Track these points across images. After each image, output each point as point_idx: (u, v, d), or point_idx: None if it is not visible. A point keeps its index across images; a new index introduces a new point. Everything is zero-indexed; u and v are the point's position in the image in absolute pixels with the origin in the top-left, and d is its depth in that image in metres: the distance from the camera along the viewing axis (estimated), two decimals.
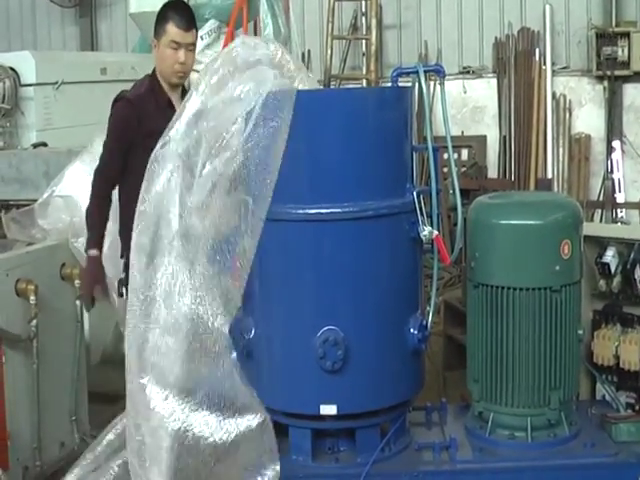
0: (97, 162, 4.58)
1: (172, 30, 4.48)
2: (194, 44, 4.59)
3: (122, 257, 4.49)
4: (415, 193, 3.74)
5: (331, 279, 3.59)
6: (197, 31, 4.65)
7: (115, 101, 4.56)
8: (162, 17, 4.55)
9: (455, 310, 5.50)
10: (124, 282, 4.34)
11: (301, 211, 3.54)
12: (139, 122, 4.43)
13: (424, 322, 3.80)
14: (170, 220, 3.59)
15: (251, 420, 3.44)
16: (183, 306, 3.49)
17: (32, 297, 4.52)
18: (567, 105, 9.41)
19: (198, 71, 9.32)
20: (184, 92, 4.59)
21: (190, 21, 4.54)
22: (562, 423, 3.86)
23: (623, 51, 9.12)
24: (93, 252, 4.46)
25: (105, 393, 4.94)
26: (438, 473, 3.70)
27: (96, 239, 4.47)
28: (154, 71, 4.62)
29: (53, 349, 4.72)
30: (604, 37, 9.16)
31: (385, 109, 3.72)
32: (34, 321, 4.53)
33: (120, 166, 4.48)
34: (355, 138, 3.61)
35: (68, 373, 4.85)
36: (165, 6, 4.60)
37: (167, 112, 4.36)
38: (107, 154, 4.53)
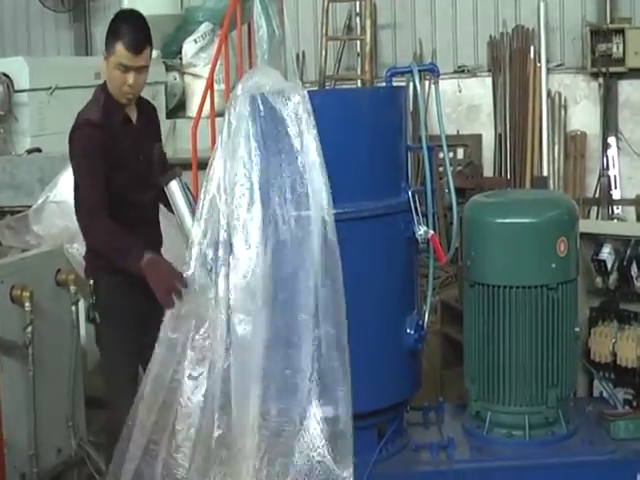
0: None
1: (121, 52, 4.01)
2: (146, 66, 4.12)
3: (88, 278, 4.29)
4: (410, 193, 3.74)
5: None
6: (152, 49, 4.14)
7: (76, 127, 4.09)
8: (112, 33, 4.07)
9: (452, 309, 5.51)
10: (94, 307, 4.22)
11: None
12: (109, 145, 4.05)
13: (420, 322, 3.79)
14: None
15: None
16: None
17: (27, 303, 4.51)
18: (562, 102, 9.38)
19: (194, 74, 9.36)
20: (140, 102, 4.31)
21: (142, 43, 4.06)
22: (560, 421, 3.86)
23: (618, 48, 9.09)
24: (148, 255, 3.88)
25: (102, 399, 4.92)
26: (436, 473, 3.70)
27: (140, 250, 3.90)
28: (105, 84, 4.18)
29: (49, 355, 4.71)
30: (598, 34, 9.13)
31: (379, 109, 3.72)
32: (30, 327, 4.52)
33: (106, 185, 4.01)
34: (349, 138, 3.60)
35: (64, 379, 4.84)
36: (117, 18, 4.15)
37: (127, 128, 4.20)
38: (87, 179, 4.02)
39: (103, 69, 4.18)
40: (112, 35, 4.06)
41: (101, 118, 4.09)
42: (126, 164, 4.15)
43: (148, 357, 3.82)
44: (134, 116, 4.28)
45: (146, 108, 4.42)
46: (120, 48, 4.01)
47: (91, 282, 4.24)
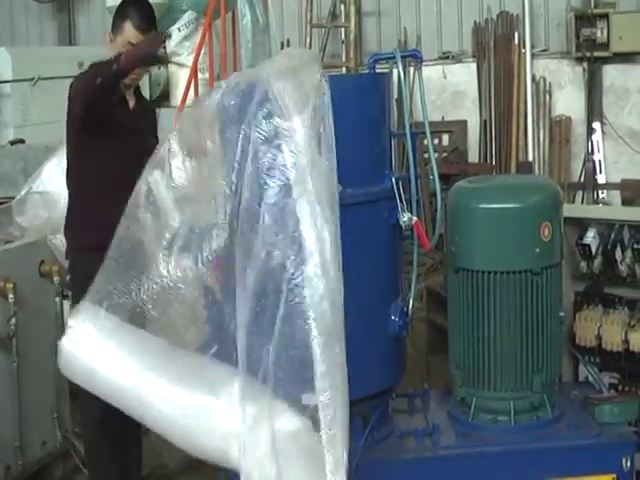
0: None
1: (129, 31, 4.25)
2: None
3: (66, 258, 4.40)
4: (394, 179, 3.72)
5: None
6: (156, 31, 4.38)
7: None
8: (121, 13, 4.32)
9: (438, 296, 5.51)
10: (69, 285, 4.35)
11: None
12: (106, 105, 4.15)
13: (405, 309, 3.78)
14: None
15: None
16: None
17: (11, 295, 4.50)
18: (547, 88, 9.38)
19: (178, 63, 9.31)
20: (138, 92, 4.50)
21: (150, 22, 4.33)
22: (545, 406, 3.85)
23: (602, 32, 9.09)
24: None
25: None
26: (421, 460, 3.69)
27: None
28: None
29: (33, 347, 4.70)
30: (583, 19, 9.13)
31: (362, 96, 3.70)
32: (13, 319, 4.52)
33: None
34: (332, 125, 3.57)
35: (49, 371, 4.80)
36: (126, 1, 4.37)
37: (123, 108, 4.33)
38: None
39: (109, 50, 4.28)
40: (121, 15, 4.31)
41: None
42: (117, 142, 4.24)
43: None
44: (131, 102, 4.41)
45: (145, 103, 4.64)
46: (129, 27, 4.25)
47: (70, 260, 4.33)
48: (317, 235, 3.17)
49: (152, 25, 4.35)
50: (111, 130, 4.23)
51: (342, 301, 3.18)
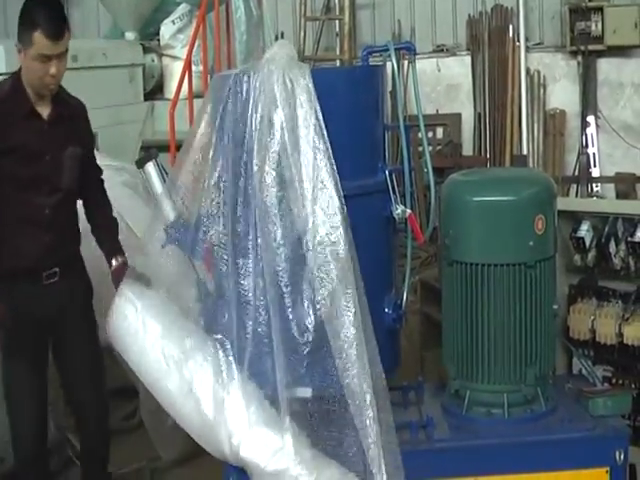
0: None
1: (41, 42, 3.76)
2: (66, 51, 3.90)
3: None
4: (387, 172, 3.72)
5: None
6: (69, 33, 3.91)
7: None
8: (28, 21, 3.79)
9: (432, 289, 5.50)
10: None
11: None
12: None
13: (399, 302, 3.78)
14: None
15: None
16: None
17: None
18: (541, 81, 9.40)
19: (171, 56, 9.31)
20: (57, 96, 4.03)
21: (61, 27, 3.82)
22: (539, 399, 3.85)
23: (597, 26, 9.12)
24: None
25: None
26: (416, 452, 3.67)
27: None
28: (20, 72, 3.95)
29: None
30: (577, 12, 9.16)
31: (356, 88, 3.69)
32: None
33: None
34: (326, 118, 3.57)
35: None
36: (30, 5, 3.85)
37: (33, 122, 3.96)
38: None
39: (20, 62, 3.94)
40: (28, 25, 3.81)
41: None
42: (24, 161, 3.95)
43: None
44: (46, 112, 4.02)
45: (69, 107, 4.15)
46: (40, 38, 3.78)
47: None
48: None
49: (64, 29, 3.86)
50: (15, 156, 3.91)
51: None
